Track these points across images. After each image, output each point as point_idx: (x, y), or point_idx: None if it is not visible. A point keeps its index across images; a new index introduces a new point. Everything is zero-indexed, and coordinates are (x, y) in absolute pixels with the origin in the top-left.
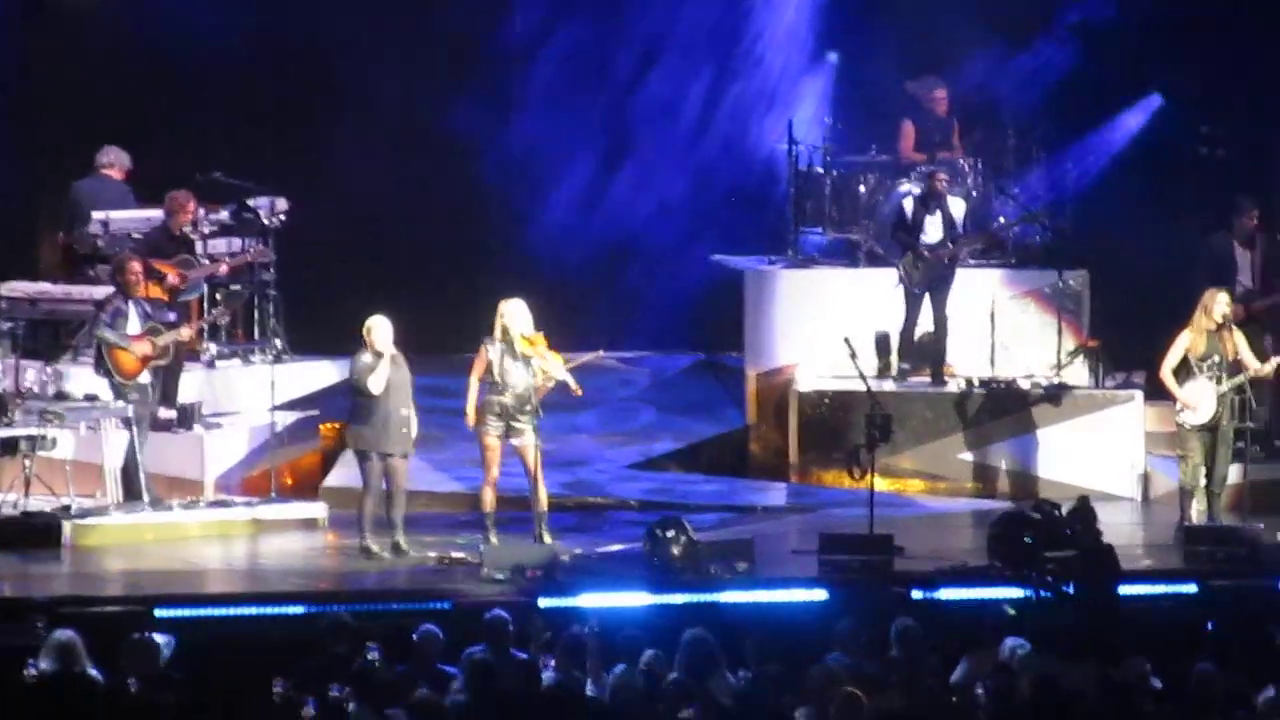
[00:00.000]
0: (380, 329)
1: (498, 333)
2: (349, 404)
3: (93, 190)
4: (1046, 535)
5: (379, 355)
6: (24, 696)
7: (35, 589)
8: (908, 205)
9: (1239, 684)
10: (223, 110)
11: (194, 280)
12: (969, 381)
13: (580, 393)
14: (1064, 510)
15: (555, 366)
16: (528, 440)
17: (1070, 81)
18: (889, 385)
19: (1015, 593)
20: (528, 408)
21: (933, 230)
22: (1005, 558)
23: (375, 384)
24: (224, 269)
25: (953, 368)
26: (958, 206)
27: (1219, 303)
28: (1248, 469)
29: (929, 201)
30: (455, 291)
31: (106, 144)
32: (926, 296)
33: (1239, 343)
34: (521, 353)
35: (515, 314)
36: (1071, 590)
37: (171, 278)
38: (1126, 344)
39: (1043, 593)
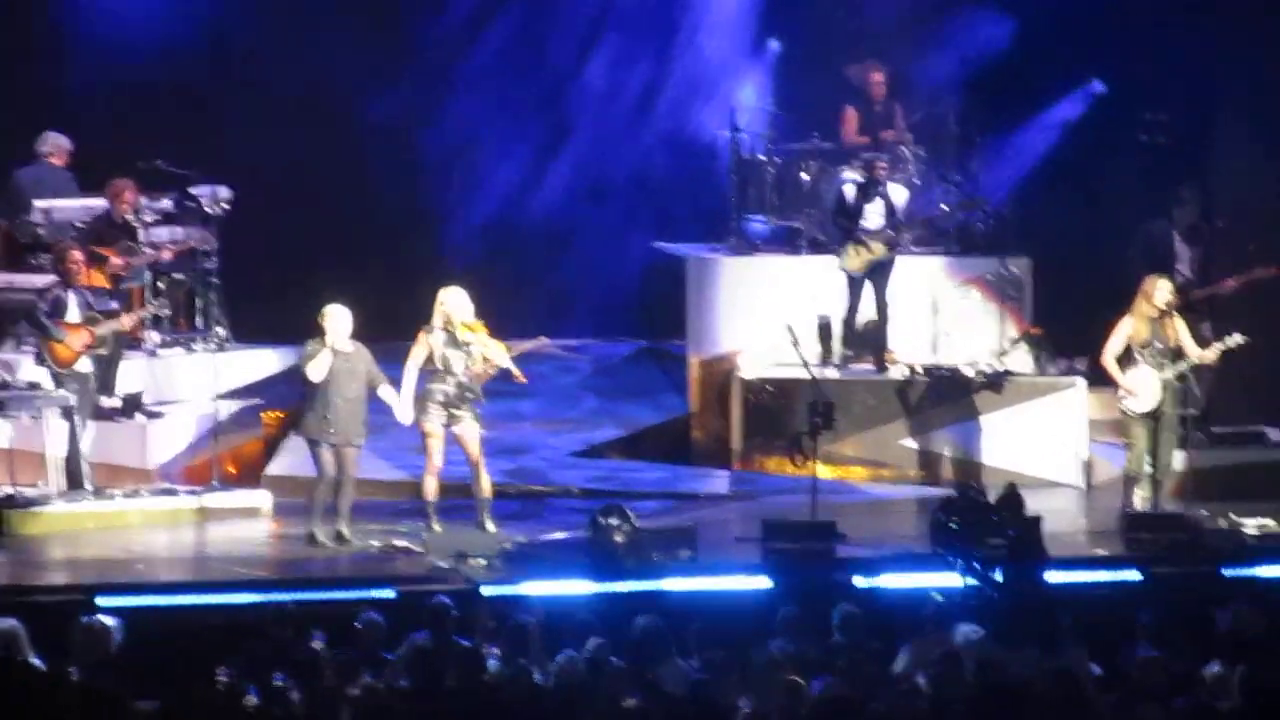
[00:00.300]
0: (332, 317)
1: (438, 320)
2: (300, 391)
3: (34, 178)
4: (977, 522)
5: (324, 344)
6: None
7: None
8: (848, 191)
9: (1180, 669)
10: (161, 96)
11: (137, 266)
12: (911, 368)
13: (524, 379)
14: (992, 497)
15: (498, 354)
16: (469, 428)
17: (1011, 67)
18: (831, 372)
19: (956, 578)
20: (469, 395)
21: (873, 216)
22: (946, 544)
23: (315, 372)
24: (167, 255)
25: (895, 354)
26: (899, 193)
27: (1160, 289)
28: (1190, 455)
29: (869, 188)
30: (392, 279)
31: (46, 130)
32: (867, 283)
33: (1180, 330)
34: (463, 340)
35: (456, 302)
36: (999, 577)
37: (115, 260)
38: (1069, 331)
39: (975, 579)
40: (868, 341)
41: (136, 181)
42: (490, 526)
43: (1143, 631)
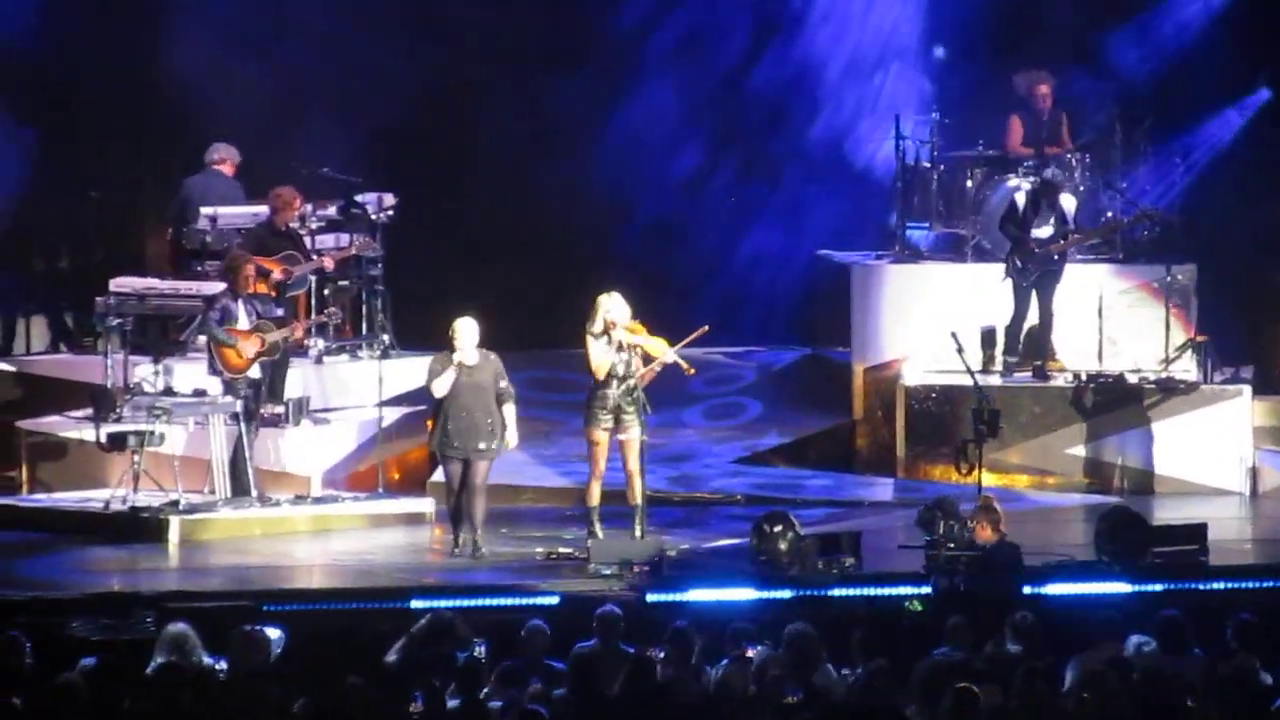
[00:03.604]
0: (461, 332)
1: (597, 326)
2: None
3: (203, 186)
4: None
5: (449, 359)
6: (143, 688)
7: (143, 584)
8: (1019, 199)
9: None
10: (334, 107)
11: (299, 276)
12: (1077, 376)
13: (693, 371)
14: (966, 509)
15: (660, 349)
16: (634, 435)
17: (1178, 76)
18: (995, 380)
19: (1124, 587)
20: (635, 401)
21: (1044, 227)
22: (1113, 553)
23: (439, 387)
24: (329, 264)
25: (1061, 362)
26: (1069, 202)
27: None
28: None
29: (1040, 197)
30: (559, 285)
31: (217, 140)
32: (1034, 291)
33: None
34: (626, 344)
35: (614, 306)
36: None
37: (277, 273)
38: (1234, 338)
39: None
40: (1031, 349)
41: (301, 189)
42: (640, 534)
43: None
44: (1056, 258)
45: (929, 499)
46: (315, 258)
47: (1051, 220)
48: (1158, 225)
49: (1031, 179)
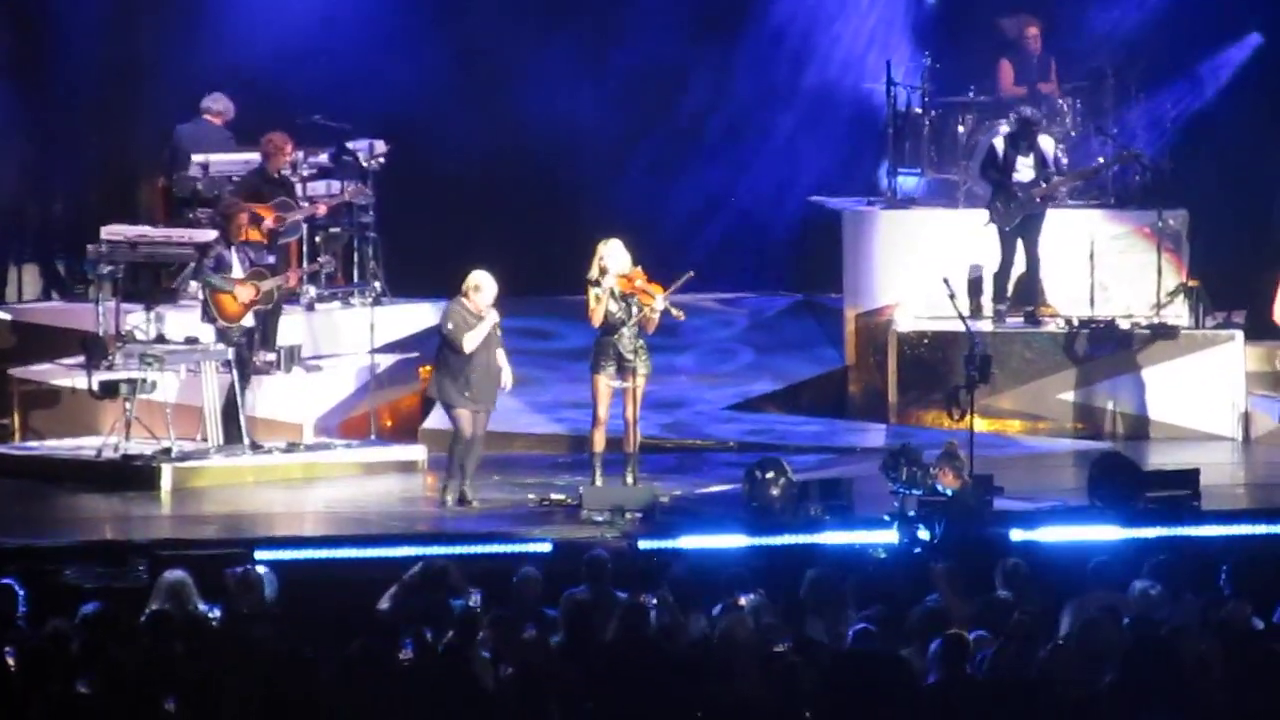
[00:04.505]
0: (488, 289)
1: (595, 273)
2: (437, 352)
3: (193, 134)
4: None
5: (479, 315)
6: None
7: (136, 532)
8: (998, 144)
9: None
10: (324, 57)
11: (291, 223)
12: (1069, 321)
13: (683, 316)
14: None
15: (656, 296)
16: (639, 382)
17: (1169, 19)
18: (987, 325)
19: (1117, 532)
20: (638, 347)
21: (1025, 169)
22: (1105, 498)
23: (471, 341)
24: (322, 210)
25: (1053, 308)
26: (1048, 143)
27: None
28: None
29: (1020, 140)
30: (551, 233)
31: (214, 90)
32: (1019, 237)
33: None
34: (624, 290)
35: (615, 254)
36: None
37: (269, 221)
38: (1226, 284)
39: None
40: (1021, 295)
41: (293, 136)
42: (632, 480)
43: None
44: (1039, 201)
45: (894, 446)
46: (306, 205)
47: (1032, 162)
48: (1148, 170)
49: (1008, 119)
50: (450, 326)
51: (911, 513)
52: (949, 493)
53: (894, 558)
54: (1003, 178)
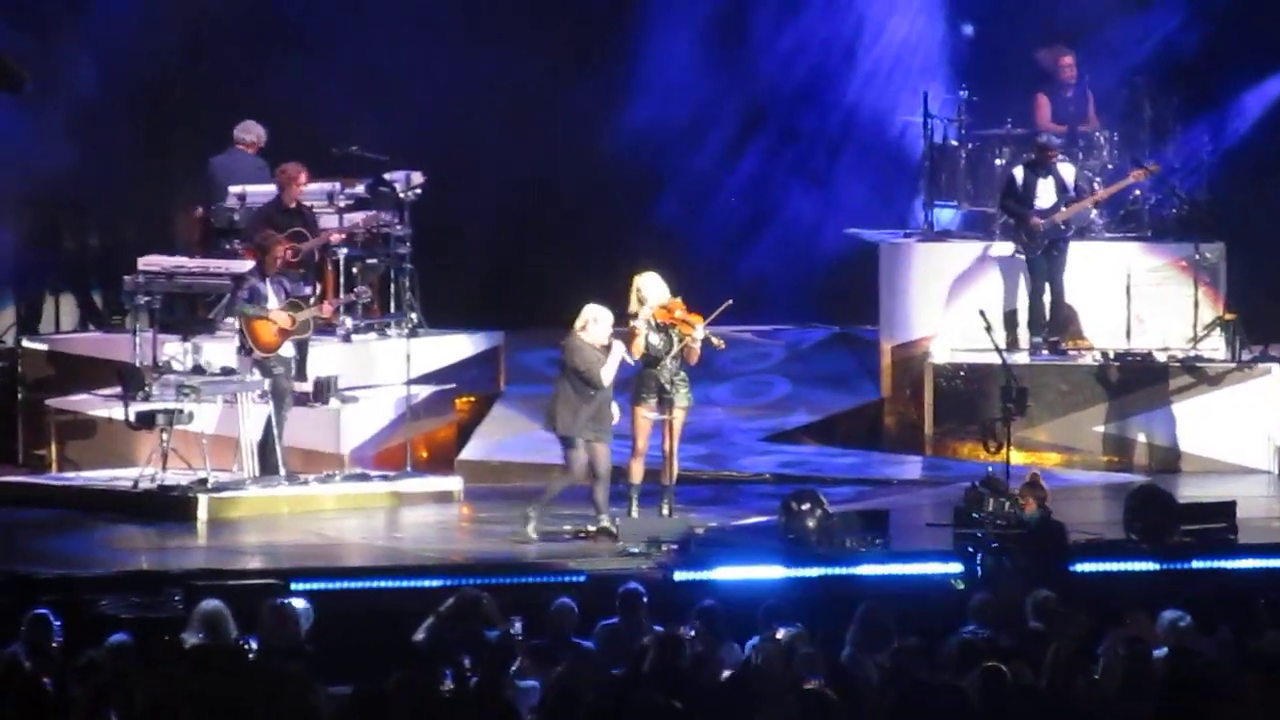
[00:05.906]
0: (605, 320)
1: (635, 305)
2: (559, 387)
3: (228, 165)
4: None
5: (606, 347)
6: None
7: (171, 562)
8: (1017, 173)
9: None
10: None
11: (305, 253)
12: (1104, 354)
13: (724, 345)
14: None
15: (696, 326)
16: (679, 415)
17: (1206, 52)
18: (1023, 358)
19: (1153, 565)
20: (677, 380)
21: (1045, 196)
22: (1141, 531)
23: (608, 376)
24: (336, 238)
25: (1087, 340)
26: (1068, 170)
27: None
28: None
29: (1038, 166)
30: (588, 265)
31: (246, 119)
32: (1045, 266)
33: None
34: (663, 321)
35: (651, 285)
36: (1009, 564)
37: (278, 249)
38: (1263, 317)
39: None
40: (1053, 325)
41: (331, 168)
42: (668, 512)
43: None
44: (1063, 226)
45: (978, 477)
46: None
47: (1053, 187)
48: (1182, 200)
49: (1032, 152)
50: (584, 365)
51: (995, 544)
52: (1030, 520)
53: (973, 588)
54: (1022, 208)
